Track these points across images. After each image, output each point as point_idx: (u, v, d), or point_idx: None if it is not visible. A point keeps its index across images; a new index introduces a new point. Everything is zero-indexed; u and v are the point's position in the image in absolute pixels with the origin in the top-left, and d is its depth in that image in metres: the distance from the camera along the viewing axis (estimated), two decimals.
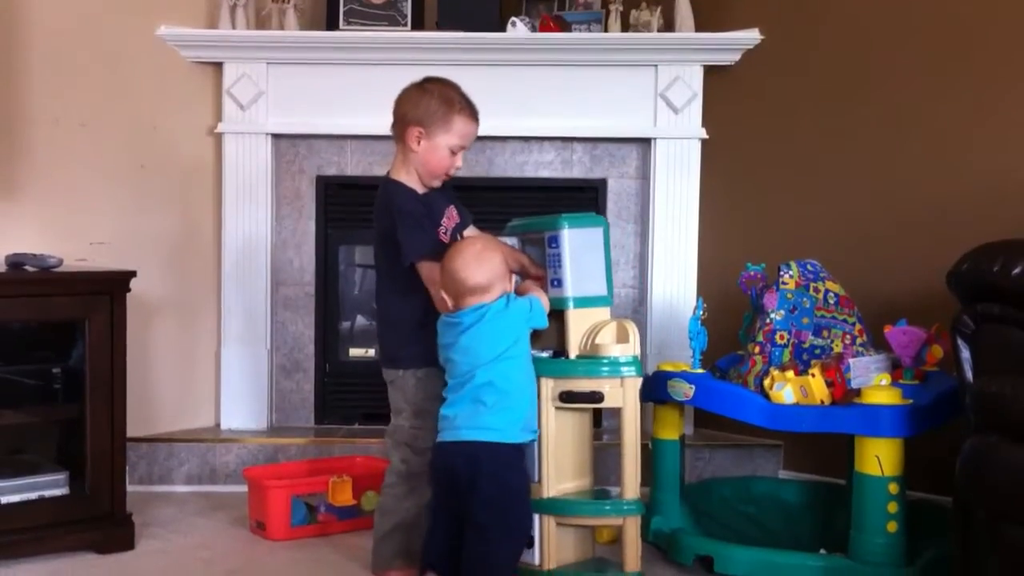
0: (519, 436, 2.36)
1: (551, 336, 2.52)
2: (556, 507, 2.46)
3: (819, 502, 3.01)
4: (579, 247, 2.47)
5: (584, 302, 2.48)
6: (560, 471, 2.48)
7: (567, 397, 2.44)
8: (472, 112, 2.54)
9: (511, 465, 2.35)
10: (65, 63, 3.22)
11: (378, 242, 2.59)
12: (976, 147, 3.04)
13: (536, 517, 2.47)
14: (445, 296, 2.38)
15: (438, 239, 2.50)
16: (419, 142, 2.50)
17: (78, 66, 3.25)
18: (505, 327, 2.36)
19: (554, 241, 2.47)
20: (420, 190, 2.55)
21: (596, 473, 2.60)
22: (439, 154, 2.50)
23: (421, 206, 2.51)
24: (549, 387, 2.45)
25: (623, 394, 2.41)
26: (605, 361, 2.41)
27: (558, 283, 2.47)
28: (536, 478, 2.47)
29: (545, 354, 2.49)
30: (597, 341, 2.44)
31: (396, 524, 2.55)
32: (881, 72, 3.23)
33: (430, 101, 2.50)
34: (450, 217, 2.57)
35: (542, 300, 2.45)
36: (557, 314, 2.50)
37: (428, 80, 2.56)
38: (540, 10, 3.67)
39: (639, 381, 2.43)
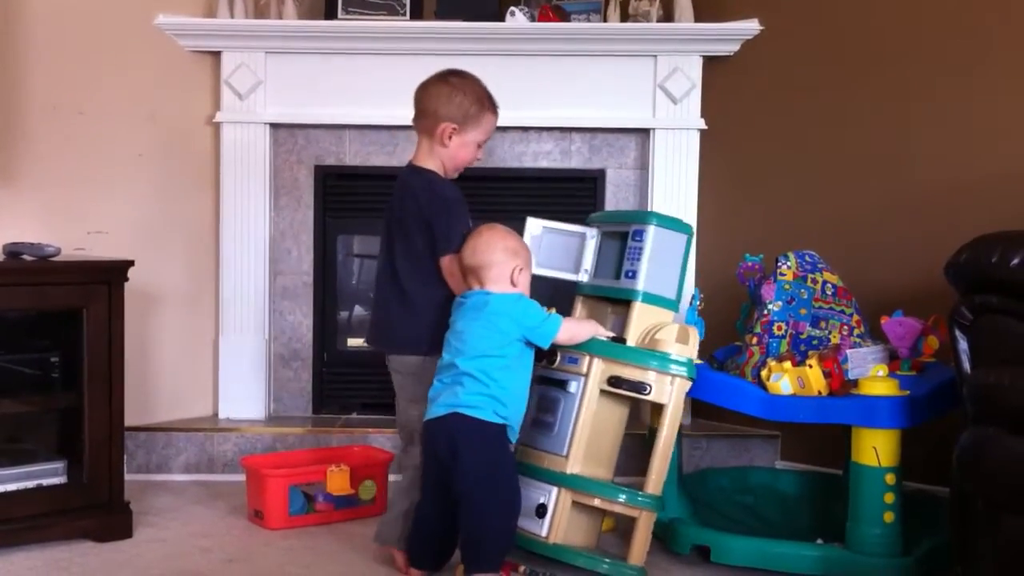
0: (492, 417, 2.37)
1: (614, 323, 2.57)
2: (575, 483, 2.47)
3: (816, 492, 3.02)
4: (661, 246, 2.52)
5: (652, 299, 2.52)
6: (588, 454, 2.50)
7: (615, 382, 2.46)
8: (496, 107, 2.61)
9: (487, 439, 2.38)
10: (64, 51, 3.21)
11: (406, 227, 2.55)
12: (975, 138, 3.04)
13: (554, 489, 2.49)
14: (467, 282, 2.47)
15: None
16: (451, 138, 2.55)
17: (77, 54, 3.24)
18: (502, 320, 2.39)
19: (639, 235, 2.52)
20: None
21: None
22: (468, 150, 2.58)
23: (465, 200, 2.57)
24: (599, 368, 2.47)
25: (671, 392, 2.44)
26: (659, 355, 2.44)
27: (632, 275, 2.51)
28: (564, 451, 2.49)
29: (604, 337, 2.51)
30: (658, 336, 2.47)
31: (408, 507, 2.55)
32: (880, 63, 3.23)
33: (463, 99, 2.55)
34: None
35: (572, 328, 2.47)
36: (623, 304, 2.54)
37: (451, 74, 2.59)
38: (539, 0, 3.67)
39: (687, 384, 2.46)
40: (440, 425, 2.39)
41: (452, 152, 2.56)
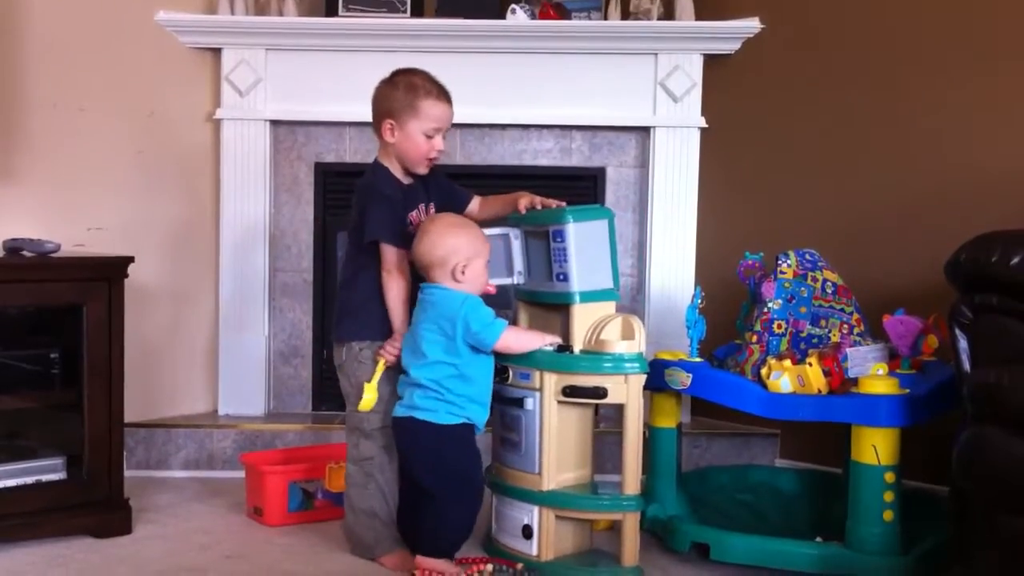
0: (448, 419, 2.43)
1: (557, 330, 2.53)
2: (555, 500, 2.48)
3: (815, 491, 3.02)
4: (585, 241, 2.47)
5: (590, 296, 2.49)
6: (561, 463, 2.50)
7: (570, 392, 2.44)
8: (439, 94, 2.58)
9: (442, 440, 2.43)
10: (64, 48, 3.21)
11: (352, 222, 2.63)
12: (976, 137, 3.04)
13: (535, 509, 2.49)
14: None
15: (405, 227, 2.55)
16: (393, 133, 2.56)
17: (77, 51, 3.25)
18: (446, 324, 2.40)
19: (559, 236, 2.46)
20: (405, 180, 2.61)
21: (594, 462, 2.61)
22: (414, 140, 2.56)
23: (399, 193, 2.57)
24: (552, 381, 2.45)
25: (627, 391, 2.42)
26: (609, 357, 2.42)
27: (564, 277, 2.47)
28: (536, 469, 2.48)
29: (550, 348, 2.48)
30: (602, 337, 2.44)
31: (367, 512, 2.59)
32: (881, 62, 3.23)
33: (395, 93, 2.56)
34: (419, 211, 2.61)
35: (514, 336, 2.44)
36: (563, 308, 2.51)
37: (395, 72, 2.61)
38: None
39: (643, 378, 2.44)
40: (401, 425, 2.48)
41: (399, 147, 2.57)
